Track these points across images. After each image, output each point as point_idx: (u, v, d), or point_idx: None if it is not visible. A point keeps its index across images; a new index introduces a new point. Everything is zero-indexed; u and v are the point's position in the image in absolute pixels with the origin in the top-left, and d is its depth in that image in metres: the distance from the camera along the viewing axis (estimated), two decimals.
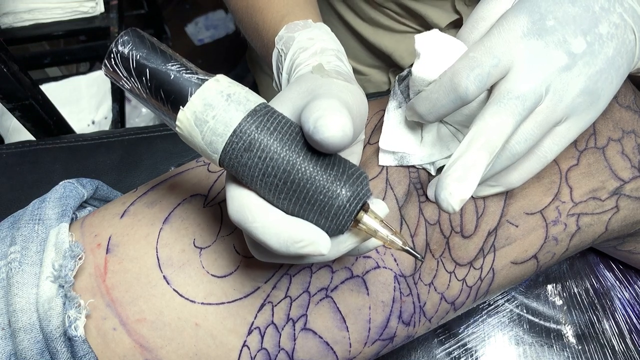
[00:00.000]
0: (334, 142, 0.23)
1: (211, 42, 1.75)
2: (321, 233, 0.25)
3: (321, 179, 0.25)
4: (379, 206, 0.27)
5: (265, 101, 0.26)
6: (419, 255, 0.27)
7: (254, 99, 0.26)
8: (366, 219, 0.26)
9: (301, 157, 0.25)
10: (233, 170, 0.25)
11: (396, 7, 0.63)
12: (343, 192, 0.25)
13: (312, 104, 0.24)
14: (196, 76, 0.25)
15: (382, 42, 0.67)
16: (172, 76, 0.25)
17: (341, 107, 0.24)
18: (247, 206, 0.25)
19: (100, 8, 1.07)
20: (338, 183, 0.25)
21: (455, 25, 0.63)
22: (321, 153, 0.25)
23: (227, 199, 0.26)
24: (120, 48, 0.25)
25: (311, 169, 0.24)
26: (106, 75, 0.26)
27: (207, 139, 0.25)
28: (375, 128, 0.40)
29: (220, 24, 1.78)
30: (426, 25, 0.64)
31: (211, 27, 1.78)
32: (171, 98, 0.25)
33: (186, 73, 0.25)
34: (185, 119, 0.25)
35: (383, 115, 0.41)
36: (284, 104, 0.28)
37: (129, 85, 0.26)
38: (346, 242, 0.27)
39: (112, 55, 0.25)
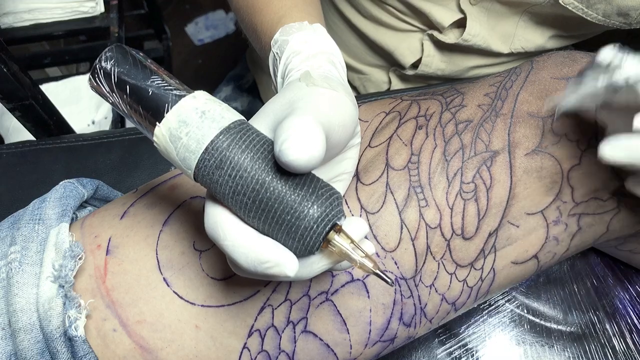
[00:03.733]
0: (299, 165, 0.23)
1: (211, 42, 1.75)
2: (288, 255, 0.25)
3: (289, 199, 0.24)
4: (357, 225, 0.27)
5: (242, 118, 0.26)
6: (389, 281, 0.26)
7: (229, 116, 0.25)
8: (337, 240, 0.25)
9: (270, 176, 0.24)
10: (207, 186, 0.25)
11: (400, 5, 0.63)
12: (310, 213, 0.24)
13: (284, 123, 0.24)
14: (174, 92, 0.26)
15: (383, 39, 0.67)
16: (151, 92, 0.25)
17: (313, 125, 0.24)
18: (219, 223, 0.25)
19: (100, 8, 1.07)
20: (306, 204, 0.24)
21: (459, 25, 0.62)
22: (292, 172, 0.25)
23: (204, 215, 0.26)
24: (103, 64, 0.26)
25: (280, 189, 0.24)
26: (92, 90, 0.27)
27: (180, 155, 0.25)
28: (376, 130, 0.40)
29: (220, 24, 1.78)
30: (429, 24, 0.64)
31: (211, 27, 1.78)
32: (149, 114, 0.26)
33: (165, 89, 0.26)
34: (161, 134, 0.25)
35: (384, 118, 0.40)
36: (268, 117, 0.27)
37: (111, 100, 0.26)
38: (319, 262, 0.27)
39: (96, 71, 0.26)
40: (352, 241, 0.26)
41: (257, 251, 0.24)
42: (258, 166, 0.24)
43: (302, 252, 0.25)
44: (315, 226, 0.24)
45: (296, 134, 0.23)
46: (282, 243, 0.25)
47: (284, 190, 0.24)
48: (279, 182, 0.24)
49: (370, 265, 0.26)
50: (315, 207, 0.24)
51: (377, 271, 0.26)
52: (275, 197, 0.24)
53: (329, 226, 0.25)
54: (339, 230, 0.26)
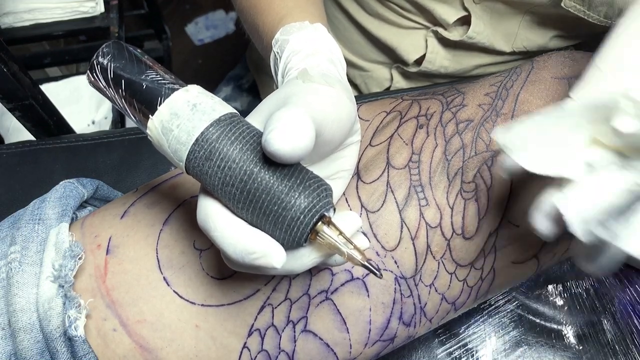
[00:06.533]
0: (284, 154, 0.23)
1: (211, 42, 1.75)
2: (275, 246, 0.25)
3: (276, 189, 0.24)
4: (349, 219, 0.26)
5: (234, 111, 0.27)
6: (377, 273, 0.26)
7: (220, 109, 0.26)
8: (325, 231, 0.25)
9: (258, 167, 0.24)
10: (198, 178, 0.26)
11: (404, 2, 0.63)
12: (297, 203, 0.24)
13: (274, 114, 0.24)
14: (167, 86, 0.26)
15: (386, 36, 0.68)
16: (145, 86, 0.26)
17: (300, 116, 0.24)
18: (210, 215, 0.25)
19: (100, 8, 1.07)
20: (293, 194, 0.24)
21: (463, 23, 0.63)
22: (280, 164, 0.25)
23: (197, 206, 0.27)
24: (100, 59, 0.26)
25: (267, 179, 0.24)
26: (90, 85, 0.27)
27: (172, 147, 0.25)
28: (377, 129, 0.40)
29: (220, 24, 1.78)
30: (434, 21, 0.64)
31: (211, 27, 1.78)
32: (143, 107, 0.26)
33: (159, 83, 0.26)
34: (154, 127, 0.26)
35: (385, 117, 0.40)
36: (263, 112, 0.28)
37: (109, 94, 0.27)
38: (309, 255, 0.26)
39: (93, 66, 0.27)
40: (341, 233, 0.25)
41: (245, 242, 0.24)
42: (246, 157, 0.25)
43: (290, 244, 0.25)
44: (302, 217, 0.24)
45: (282, 124, 0.23)
46: (270, 234, 0.25)
47: (272, 181, 0.24)
48: (266, 173, 0.24)
49: (359, 257, 0.25)
50: (302, 197, 0.24)
51: (365, 262, 0.26)
52: (263, 188, 0.24)
53: (317, 217, 0.25)
54: (328, 222, 0.25)
